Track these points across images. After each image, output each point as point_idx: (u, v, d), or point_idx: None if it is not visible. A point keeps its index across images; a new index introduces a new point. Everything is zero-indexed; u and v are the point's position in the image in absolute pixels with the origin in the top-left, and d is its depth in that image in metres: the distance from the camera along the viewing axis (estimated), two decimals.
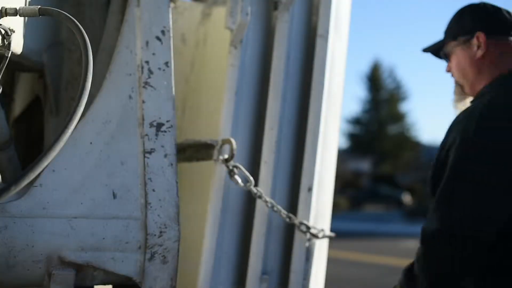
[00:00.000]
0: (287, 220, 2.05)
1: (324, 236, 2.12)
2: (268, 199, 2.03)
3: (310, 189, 2.09)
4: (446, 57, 2.08)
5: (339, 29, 2.24)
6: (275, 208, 2.03)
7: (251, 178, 2.00)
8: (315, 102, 2.15)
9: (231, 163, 1.98)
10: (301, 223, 2.05)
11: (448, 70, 2.08)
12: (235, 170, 1.99)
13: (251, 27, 2.14)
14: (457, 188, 1.70)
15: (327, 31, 2.16)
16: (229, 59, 2.12)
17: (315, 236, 2.07)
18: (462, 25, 2.01)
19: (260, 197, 2.02)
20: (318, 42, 2.17)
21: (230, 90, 2.10)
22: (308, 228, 2.06)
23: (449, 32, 2.06)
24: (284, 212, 2.04)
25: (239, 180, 2.00)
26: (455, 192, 1.71)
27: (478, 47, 1.95)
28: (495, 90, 1.86)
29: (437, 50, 2.12)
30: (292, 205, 2.15)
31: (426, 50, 2.17)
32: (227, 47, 2.15)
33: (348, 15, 2.31)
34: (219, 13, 2.48)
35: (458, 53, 2.00)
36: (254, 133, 2.16)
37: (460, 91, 2.02)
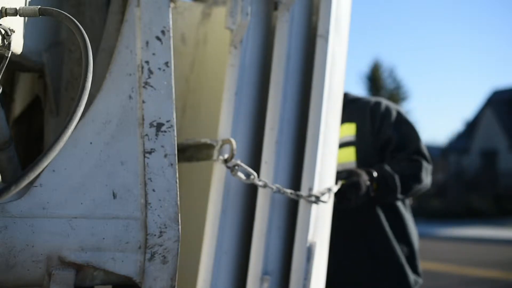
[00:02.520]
0: (295, 197, 2.06)
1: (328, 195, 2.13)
2: (273, 185, 2.04)
3: (311, 189, 2.09)
4: None
5: (340, 29, 2.24)
6: (281, 191, 2.03)
7: (253, 171, 2.00)
8: (315, 102, 2.15)
9: (232, 161, 1.98)
10: (310, 195, 2.06)
11: None
12: (236, 167, 1.99)
13: (251, 27, 2.13)
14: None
15: (327, 31, 2.16)
16: (229, 59, 2.11)
17: (324, 202, 2.10)
18: None
19: (265, 186, 2.02)
20: (319, 42, 2.17)
21: (230, 90, 2.10)
22: (317, 197, 2.07)
23: None
24: (290, 191, 2.04)
25: (243, 176, 2.00)
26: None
27: None
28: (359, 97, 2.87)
29: None
30: (293, 205, 2.15)
31: None
32: (227, 47, 2.15)
33: (349, 15, 2.31)
34: (219, 13, 2.48)
35: None
36: (254, 133, 2.16)
37: None
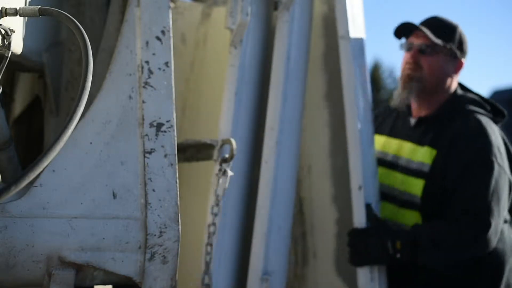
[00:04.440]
0: None
1: None
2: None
3: (360, 188, 2.13)
4: (424, 49, 2.31)
5: (357, 28, 2.27)
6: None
7: (219, 197, 1.98)
8: (349, 102, 2.19)
9: (224, 165, 1.97)
10: None
11: (416, 60, 2.30)
12: (225, 171, 1.97)
13: (251, 27, 2.14)
14: None
15: (347, 31, 2.19)
16: (229, 59, 2.12)
17: None
18: (457, 41, 2.33)
19: (213, 223, 1.98)
20: (341, 44, 2.21)
21: (230, 90, 2.10)
22: None
23: (442, 34, 2.30)
24: None
25: (220, 182, 1.97)
26: None
27: (456, 69, 2.35)
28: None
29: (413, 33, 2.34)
30: (293, 205, 2.16)
31: (406, 26, 2.35)
32: (227, 47, 2.15)
33: (362, 13, 2.34)
34: (219, 13, 2.48)
35: (440, 58, 2.31)
36: (254, 133, 2.16)
37: (417, 88, 2.32)
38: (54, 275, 1.40)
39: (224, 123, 2.08)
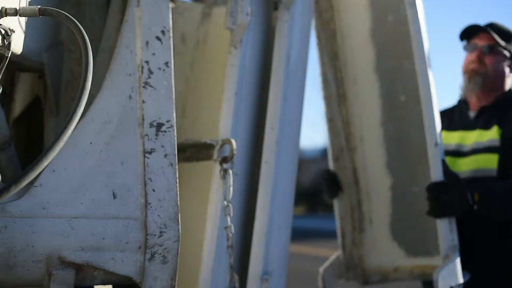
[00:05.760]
0: None
1: None
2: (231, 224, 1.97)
3: (436, 144, 2.23)
4: (488, 50, 2.60)
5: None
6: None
7: (227, 198, 1.97)
8: (420, 66, 2.26)
9: (229, 165, 1.97)
10: None
11: (480, 58, 2.59)
12: (229, 172, 1.96)
13: (251, 27, 2.13)
14: None
15: None
16: (229, 59, 2.12)
17: None
18: None
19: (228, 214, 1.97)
20: (409, 10, 2.27)
21: (230, 90, 2.10)
22: None
23: (503, 37, 2.60)
24: None
25: (226, 183, 1.97)
26: None
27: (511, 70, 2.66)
28: None
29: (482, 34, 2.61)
30: (293, 205, 2.16)
31: (477, 28, 2.62)
32: (227, 47, 2.15)
33: None
34: (219, 13, 2.48)
35: (500, 59, 2.61)
36: (254, 133, 2.16)
37: (481, 82, 2.60)
38: (54, 275, 1.40)
39: (224, 123, 2.08)
